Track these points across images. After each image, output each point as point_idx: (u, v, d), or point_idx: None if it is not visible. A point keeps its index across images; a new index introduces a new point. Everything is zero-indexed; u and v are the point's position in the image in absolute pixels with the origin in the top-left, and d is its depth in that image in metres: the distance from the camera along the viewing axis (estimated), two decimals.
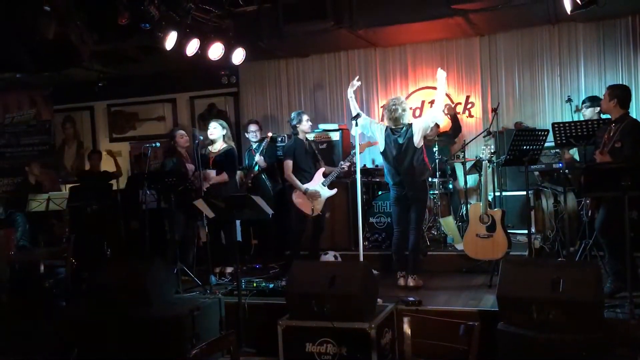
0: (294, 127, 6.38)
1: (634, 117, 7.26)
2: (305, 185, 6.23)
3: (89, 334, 4.79)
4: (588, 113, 6.37)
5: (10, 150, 9.98)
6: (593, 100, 6.39)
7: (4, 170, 9.96)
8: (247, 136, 7.55)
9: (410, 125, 5.65)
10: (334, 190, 6.38)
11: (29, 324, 5.50)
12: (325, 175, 6.33)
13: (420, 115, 8.12)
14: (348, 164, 6.30)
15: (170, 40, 6.51)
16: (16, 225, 6.70)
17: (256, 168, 6.95)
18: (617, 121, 4.96)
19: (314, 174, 6.33)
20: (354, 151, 6.35)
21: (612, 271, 4.88)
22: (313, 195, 6.21)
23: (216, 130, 6.42)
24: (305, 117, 6.36)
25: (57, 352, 4.74)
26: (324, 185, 6.29)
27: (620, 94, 5.02)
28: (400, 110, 5.64)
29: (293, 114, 6.46)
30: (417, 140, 5.57)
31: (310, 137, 7.14)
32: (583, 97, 7.46)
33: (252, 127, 7.42)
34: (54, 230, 7.25)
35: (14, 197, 7.29)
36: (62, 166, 10.20)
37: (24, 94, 9.94)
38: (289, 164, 6.27)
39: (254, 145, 7.36)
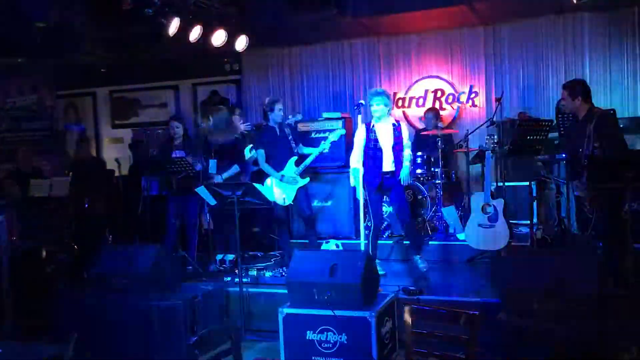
0: (265, 114, 6.31)
1: (638, 107, 7.33)
2: (281, 173, 6.20)
3: (90, 320, 4.81)
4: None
5: (11, 135, 9.92)
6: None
7: (3, 156, 9.93)
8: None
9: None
10: (307, 179, 6.29)
11: (30, 309, 5.51)
12: (297, 164, 6.23)
13: (423, 105, 8.17)
14: (328, 145, 6.21)
15: (173, 26, 6.47)
16: None
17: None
18: (586, 119, 4.79)
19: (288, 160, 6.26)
20: (328, 132, 6.31)
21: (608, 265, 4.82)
22: (289, 182, 6.17)
23: (216, 125, 6.36)
24: (277, 107, 6.22)
25: (57, 337, 4.75)
26: (297, 173, 6.21)
27: (582, 88, 4.86)
28: None
29: (267, 100, 6.35)
30: None
31: (311, 127, 7.15)
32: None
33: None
34: (55, 216, 7.24)
35: None
36: (65, 152, 10.18)
37: (26, 79, 9.90)
38: (261, 153, 6.24)
39: None
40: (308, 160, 6.22)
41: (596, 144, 4.63)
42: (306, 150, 6.32)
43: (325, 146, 6.20)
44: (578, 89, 4.87)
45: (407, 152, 5.79)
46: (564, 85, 5.07)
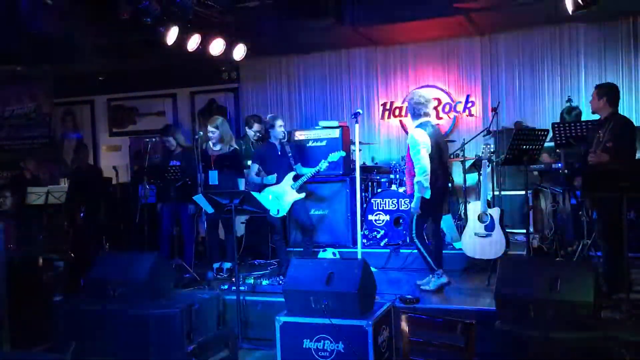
0: (267, 131, 6.37)
1: (633, 117, 7.38)
2: (270, 188, 6.22)
3: (87, 328, 4.80)
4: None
5: (10, 143, 9.93)
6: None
7: (2, 164, 9.93)
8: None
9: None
10: (302, 194, 6.30)
11: (27, 317, 5.50)
12: (295, 178, 6.26)
13: None
14: (326, 165, 6.24)
15: (172, 35, 6.49)
16: None
17: None
18: (607, 120, 4.92)
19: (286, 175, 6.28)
20: (331, 153, 6.35)
21: (604, 273, 4.85)
22: (279, 197, 6.19)
23: (214, 135, 6.34)
24: (278, 123, 6.27)
25: (54, 345, 4.74)
26: (293, 188, 6.22)
27: (609, 92, 4.98)
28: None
29: (267, 117, 6.43)
30: None
31: (308, 135, 7.16)
32: (584, 97, 7.47)
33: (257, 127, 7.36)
34: (50, 224, 7.24)
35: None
36: (62, 160, 10.18)
37: (25, 87, 9.91)
38: (254, 167, 6.28)
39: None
40: (304, 178, 6.27)
41: (609, 144, 4.69)
42: (304, 170, 6.34)
43: (322, 166, 6.21)
44: (606, 91, 5.00)
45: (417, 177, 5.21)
46: (597, 85, 5.26)
